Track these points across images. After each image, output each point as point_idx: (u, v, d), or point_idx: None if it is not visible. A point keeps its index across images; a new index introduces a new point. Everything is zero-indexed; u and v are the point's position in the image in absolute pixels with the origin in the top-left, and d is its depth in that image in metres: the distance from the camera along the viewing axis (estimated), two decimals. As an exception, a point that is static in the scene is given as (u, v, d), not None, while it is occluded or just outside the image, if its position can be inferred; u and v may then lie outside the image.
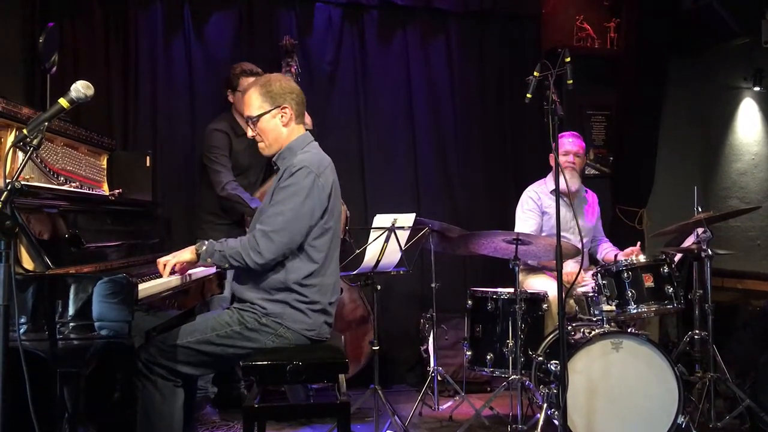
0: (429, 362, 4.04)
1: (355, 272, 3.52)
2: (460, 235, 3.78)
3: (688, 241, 3.84)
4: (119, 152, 3.52)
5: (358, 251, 3.51)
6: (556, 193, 2.96)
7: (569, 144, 4.08)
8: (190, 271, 2.76)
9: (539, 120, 4.39)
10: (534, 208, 4.05)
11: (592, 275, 3.57)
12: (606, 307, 3.41)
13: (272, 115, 2.67)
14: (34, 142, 2.05)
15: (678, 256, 3.90)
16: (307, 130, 2.81)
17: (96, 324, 2.13)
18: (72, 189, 2.77)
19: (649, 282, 3.47)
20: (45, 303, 2.11)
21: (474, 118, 4.98)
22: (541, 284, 3.89)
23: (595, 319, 3.48)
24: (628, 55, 5.07)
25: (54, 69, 3.46)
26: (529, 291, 3.71)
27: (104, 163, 3.30)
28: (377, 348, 3.54)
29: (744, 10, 4.57)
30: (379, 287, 3.57)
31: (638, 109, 5.03)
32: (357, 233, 4.04)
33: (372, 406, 3.52)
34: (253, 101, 2.68)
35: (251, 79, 3.83)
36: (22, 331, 2.07)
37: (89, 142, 3.12)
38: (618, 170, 5.17)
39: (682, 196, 4.45)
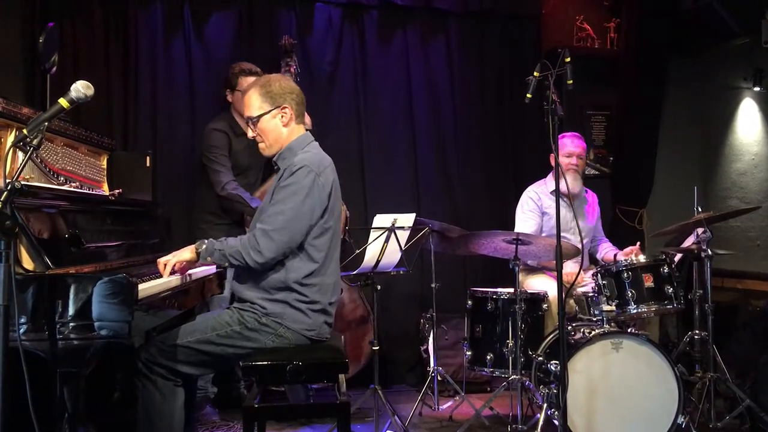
0: (429, 362, 4.04)
1: (355, 272, 3.52)
2: (460, 235, 3.78)
3: (688, 241, 3.84)
4: (119, 152, 3.52)
5: (358, 251, 3.51)
6: (556, 193, 2.96)
7: (572, 146, 4.06)
8: (190, 271, 2.76)
9: (539, 120, 4.39)
10: (534, 208, 4.05)
11: (592, 275, 3.57)
12: (606, 307, 3.41)
13: (272, 116, 2.67)
14: (34, 142, 2.05)
15: (678, 256, 3.90)
16: (306, 130, 2.81)
17: (96, 324, 2.13)
18: (72, 189, 2.77)
19: (649, 282, 3.47)
20: (45, 303, 2.11)
21: (474, 118, 4.98)
22: (541, 284, 3.89)
23: (595, 319, 3.48)
24: (628, 55, 5.07)
25: (54, 69, 3.46)
26: (529, 291, 3.71)
27: (104, 163, 3.30)
28: (377, 348, 3.54)
29: (744, 10, 4.57)
30: (379, 287, 3.57)
31: (638, 109, 5.03)
32: (357, 233, 4.04)
33: (372, 406, 3.52)
34: (253, 102, 2.68)
35: (250, 79, 3.83)
36: (22, 331, 2.07)
37: (89, 142, 3.12)
38: (618, 170, 5.17)
39: (682, 196, 4.45)
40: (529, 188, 4.15)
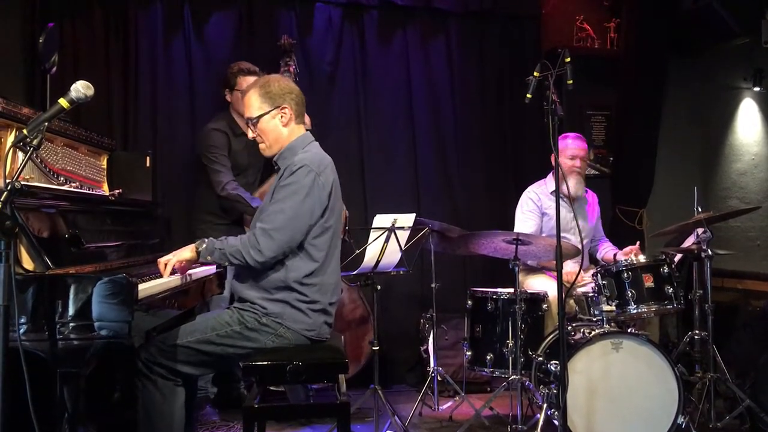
0: (429, 362, 4.04)
1: (355, 272, 3.52)
2: (460, 235, 3.78)
3: (688, 242, 3.84)
4: (119, 152, 3.52)
5: (358, 251, 3.51)
6: (556, 194, 2.96)
7: (576, 148, 4.05)
8: (190, 271, 2.76)
9: (539, 120, 4.39)
10: (534, 209, 4.05)
11: (592, 275, 3.57)
12: (606, 308, 3.41)
13: (272, 116, 2.68)
14: (34, 142, 2.05)
15: (678, 257, 3.91)
16: (306, 130, 2.82)
17: (96, 324, 2.13)
18: (72, 189, 2.77)
19: (649, 282, 3.47)
20: (45, 303, 2.11)
21: (474, 118, 4.98)
22: (541, 284, 3.89)
23: (595, 319, 3.48)
24: (628, 55, 5.07)
25: (54, 69, 3.46)
26: (529, 291, 3.71)
27: (104, 163, 3.30)
28: (377, 348, 3.54)
29: (744, 10, 4.58)
30: (379, 287, 3.57)
31: (638, 109, 5.03)
32: (357, 233, 4.04)
33: (372, 406, 3.52)
34: (253, 102, 2.69)
35: (249, 78, 3.83)
36: (22, 331, 2.07)
37: (89, 142, 3.12)
38: (618, 170, 5.17)
39: (682, 196, 4.45)
40: (529, 188, 4.15)
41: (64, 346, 2.11)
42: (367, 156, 4.74)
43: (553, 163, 3.40)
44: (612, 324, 3.41)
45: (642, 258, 3.60)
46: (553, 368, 3.26)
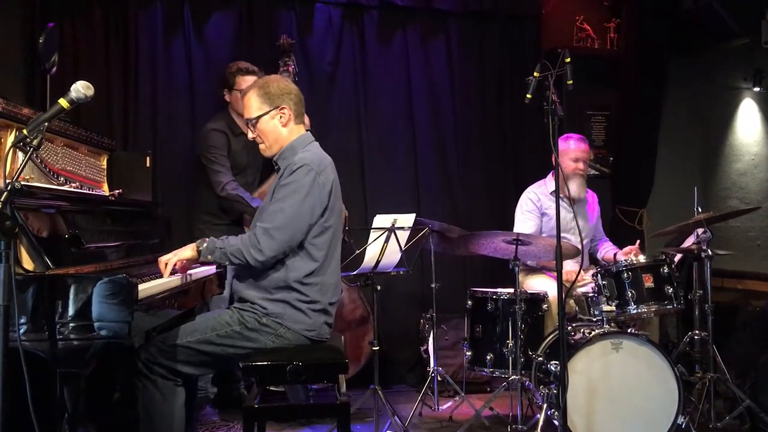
0: (429, 362, 4.04)
1: (355, 272, 3.52)
2: (460, 235, 3.78)
3: (688, 242, 3.84)
4: (119, 152, 3.52)
5: (357, 251, 3.51)
6: (556, 194, 2.96)
7: (580, 151, 4.03)
8: (190, 271, 2.76)
9: (539, 120, 4.39)
10: (533, 209, 4.04)
11: (592, 275, 3.57)
12: (606, 308, 3.41)
13: (271, 116, 2.68)
14: (34, 142, 2.05)
15: (678, 257, 3.90)
16: (306, 130, 2.82)
17: (96, 324, 2.12)
18: (72, 189, 2.77)
19: (649, 282, 3.47)
20: (45, 303, 2.11)
21: (474, 118, 4.98)
22: (541, 284, 3.89)
23: (595, 319, 3.48)
24: (628, 55, 5.07)
25: (54, 69, 3.46)
26: (529, 291, 3.71)
27: (104, 163, 3.30)
28: (377, 348, 3.54)
29: (744, 11, 4.57)
30: (378, 287, 3.57)
31: (638, 109, 5.03)
32: (357, 233, 4.04)
33: (372, 406, 3.52)
34: (252, 103, 2.69)
35: (247, 78, 3.83)
36: (22, 331, 2.07)
37: (89, 143, 3.12)
38: (618, 170, 5.17)
39: (682, 196, 4.45)
40: (529, 189, 4.15)
41: (64, 346, 2.11)
42: (367, 156, 4.74)
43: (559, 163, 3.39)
44: (612, 324, 3.41)
45: (642, 258, 3.60)
46: (553, 368, 3.26)
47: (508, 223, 4.37)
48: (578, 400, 3.18)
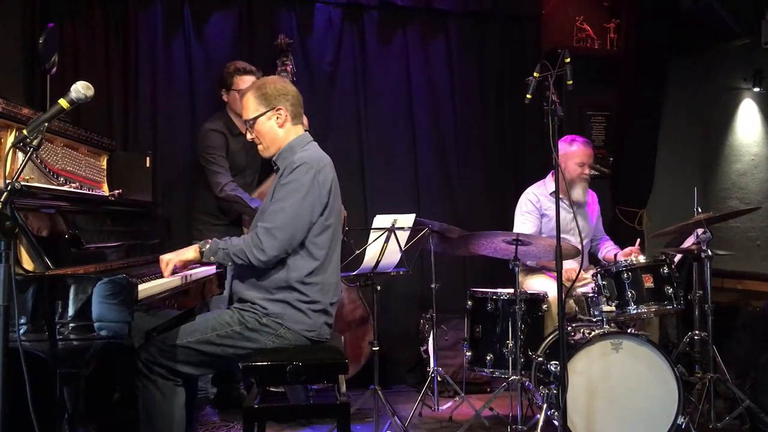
0: (429, 363, 4.04)
1: (354, 273, 3.52)
2: (460, 235, 3.78)
3: (688, 242, 3.84)
4: (119, 153, 3.52)
5: (357, 252, 3.51)
6: (556, 195, 2.96)
7: (585, 155, 4.02)
8: (190, 272, 2.76)
9: (539, 121, 4.38)
10: (532, 210, 4.04)
11: (592, 276, 3.57)
12: (606, 308, 3.41)
13: (267, 117, 2.70)
14: (34, 142, 2.06)
15: (678, 257, 3.90)
16: (304, 131, 2.82)
17: (96, 324, 2.12)
18: (72, 189, 2.77)
19: (648, 282, 3.47)
20: (45, 303, 2.11)
21: (474, 118, 4.98)
22: (541, 285, 3.89)
23: (594, 319, 3.48)
24: (627, 55, 5.07)
25: (54, 69, 3.46)
26: (528, 291, 3.71)
27: (104, 163, 3.30)
28: (377, 348, 3.54)
29: (744, 11, 4.57)
30: (378, 288, 3.57)
31: (638, 109, 5.03)
32: (357, 234, 4.04)
33: (372, 406, 3.52)
34: (250, 104, 2.71)
35: (245, 78, 3.83)
36: (22, 331, 2.07)
37: (89, 143, 3.12)
38: (618, 171, 5.17)
39: (682, 196, 4.45)
40: (528, 189, 4.14)
41: (64, 346, 2.11)
42: (367, 156, 4.74)
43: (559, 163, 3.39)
44: (612, 324, 3.41)
45: (642, 258, 3.60)
46: (553, 368, 3.26)
47: (508, 224, 4.37)
48: (578, 400, 3.18)
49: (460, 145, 4.94)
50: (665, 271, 3.48)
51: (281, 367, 2.52)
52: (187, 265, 2.67)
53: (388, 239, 3.42)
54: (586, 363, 3.21)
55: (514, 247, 3.46)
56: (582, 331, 3.40)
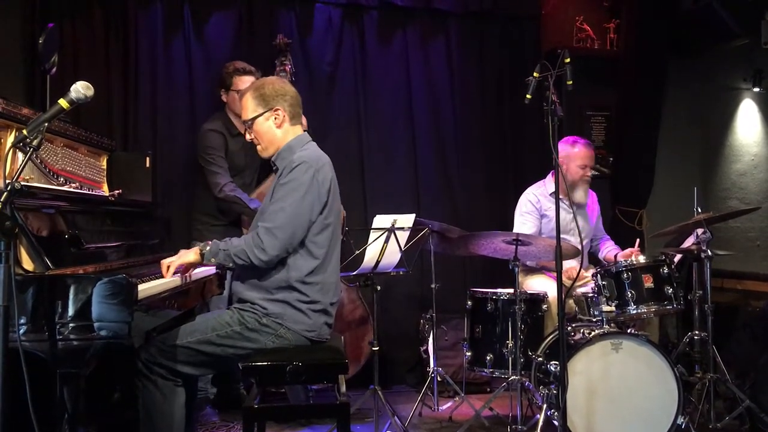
0: (429, 363, 4.04)
1: (354, 273, 3.52)
2: (459, 235, 3.78)
3: (688, 242, 3.84)
4: (119, 153, 3.52)
5: (357, 252, 3.51)
6: (556, 195, 2.96)
7: (587, 157, 4.01)
8: (189, 272, 2.76)
9: (539, 121, 4.37)
10: (532, 210, 4.04)
11: (592, 276, 3.57)
12: (606, 308, 3.41)
13: (265, 118, 2.70)
14: (34, 142, 2.06)
15: (678, 257, 3.90)
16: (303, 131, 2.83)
17: (96, 325, 2.13)
18: (72, 190, 2.77)
19: (648, 283, 3.47)
20: (45, 304, 2.11)
21: (474, 118, 4.98)
22: (541, 285, 3.89)
23: (594, 319, 3.48)
24: (627, 55, 5.07)
25: (54, 69, 3.46)
26: (528, 291, 3.71)
27: (104, 163, 3.30)
28: (377, 349, 3.54)
29: (744, 11, 4.57)
30: (378, 288, 3.57)
31: (638, 109, 5.03)
32: (357, 234, 4.04)
33: (372, 406, 3.52)
34: (248, 105, 2.72)
35: (244, 78, 3.83)
36: (21, 331, 2.07)
37: (89, 143, 3.12)
38: (618, 171, 5.17)
39: (682, 196, 4.45)
40: (528, 190, 4.14)
41: (64, 346, 2.11)
42: (367, 156, 4.74)
43: (560, 164, 3.38)
44: (612, 324, 3.41)
45: (642, 258, 3.60)
46: (552, 369, 3.26)
47: (508, 224, 4.36)
48: (578, 400, 3.18)
49: (460, 145, 4.94)
50: (665, 271, 3.49)
51: (281, 367, 2.52)
52: (188, 268, 2.67)
53: (388, 239, 3.42)
54: (586, 363, 3.21)
55: (513, 247, 3.46)
56: (582, 331, 3.40)
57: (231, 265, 2.63)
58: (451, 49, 4.94)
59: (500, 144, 5.04)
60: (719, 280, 4.64)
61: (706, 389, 3.56)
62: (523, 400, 3.51)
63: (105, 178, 3.28)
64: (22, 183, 2.17)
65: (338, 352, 2.68)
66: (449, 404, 4.02)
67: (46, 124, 2.09)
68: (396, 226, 3.42)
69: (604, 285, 3.47)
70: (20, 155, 2.29)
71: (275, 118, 2.70)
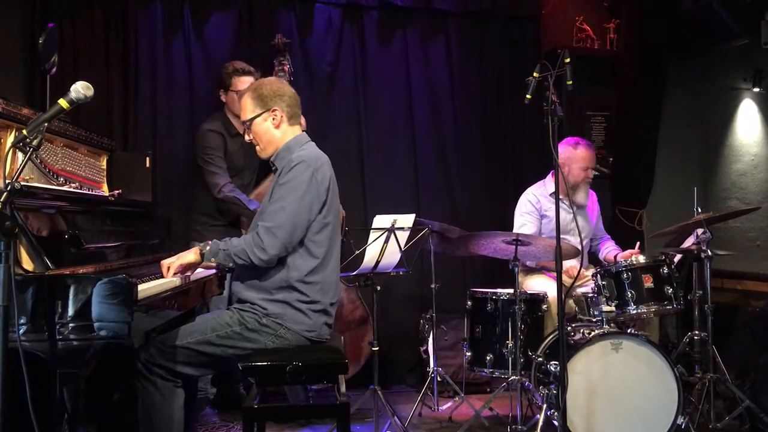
0: (429, 363, 4.04)
1: (354, 273, 3.52)
2: (459, 235, 3.78)
3: (688, 242, 3.84)
4: (119, 153, 3.52)
5: (357, 252, 3.51)
6: (556, 196, 2.96)
7: (590, 159, 4.01)
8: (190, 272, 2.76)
9: (539, 121, 4.37)
10: (532, 211, 4.03)
11: (592, 276, 3.57)
12: (605, 308, 3.41)
13: (263, 119, 2.71)
14: (34, 142, 2.06)
15: (678, 257, 3.90)
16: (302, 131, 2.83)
17: (95, 325, 2.13)
18: (72, 190, 2.77)
19: (648, 283, 3.47)
20: (44, 304, 2.11)
21: (474, 118, 4.98)
22: (541, 285, 3.89)
23: (594, 319, 3.48)
24: (627, 55, 5.07)
25: (54, 69, 3.46)
26: (528, 292, 3.71)
27: (104, 163, 3.30)
28: (377, 349, 3.54)
29: (744, 11, 4.57)
30: (378, 288, 3.57)
31: (638, 109, 5.03)
32: (356, 234, 4.04)
33: (372, 406, 3.52)
34: (247, 106, 2.74)
35: (244, 78, 3.83)
36: (21, 331, 2.07)
37: (89, 143, 3.12)
38: (618, 171, 5.17)
39: (682, 196, 4.45)
40: (528, 190, 4.14)
41: (64, 346, 2.11)
42: (367, 156, 4.74)
43: (560, 165, 3.38)
44: (612, 324, 3.41)
45: (642, 259, 3.60)
46: (552, 369, 3.26)
47: (507, 224, 4.36)
48: (578, 400, 3.18)
49: (460, 145, 4.94)
50: (665, 272, 3.49)
51: (281, 368, 2.52)
52: (188, 268, 2.67)
53: (387, 239, 3.42)
54: (586, 363, 3.21)
55: (513, 247, 3.46)
56: (582, 331, 3.40)
57: (231, 264, 2.63)
58: (451, 49, 4.94)
59: (500, 144, 5.04)
60: (719, 280, 4.64)
61: (706, 389, 3.56)
62: (523, 400, 3.51)
63: (105, 178, 3.28)
64: (22, 183, 2.17)
65: (338, 352, 2.68)
66: (449, 404, 4.02)
67: (46, 124, 2.09)
68: (396, 226, 3.42)
69: (604, 285, 3.47)
70: (20, 155, 2.29)
71: (273, 119, 2.71)
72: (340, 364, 2.62)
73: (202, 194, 3.90)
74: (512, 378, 3.46)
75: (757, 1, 4.45)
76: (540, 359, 3.43)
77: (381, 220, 3.41)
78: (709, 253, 3.62)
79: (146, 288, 2.34)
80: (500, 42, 5.05)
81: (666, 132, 5.22)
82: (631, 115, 5.04)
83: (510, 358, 3.52)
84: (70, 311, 2.12)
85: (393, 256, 3.51)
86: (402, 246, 3.48)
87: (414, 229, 3.53)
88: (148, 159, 3.46)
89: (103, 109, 4.13)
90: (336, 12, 4.71)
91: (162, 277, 2.55)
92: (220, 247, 2.60)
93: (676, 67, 5.20)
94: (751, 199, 5.06)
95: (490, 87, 5.04)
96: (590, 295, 3.54)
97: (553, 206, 2.98)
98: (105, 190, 3.21)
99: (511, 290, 3.56)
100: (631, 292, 3.44)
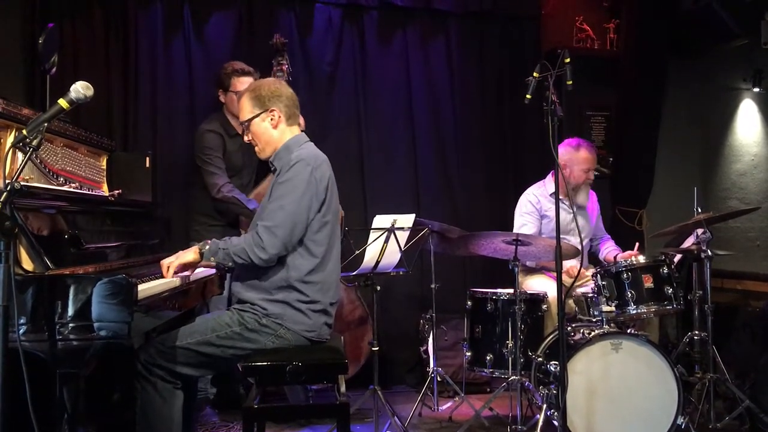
0: (429, 363, 4.04)
1: (354, 273, 3.52)
2: (459, 235, 3.78)
3: (688, 242, 3.84)
4: (119, 153, 3.52)
5: (357, 252, 3.51)
6: (556, 196, 2.96)
7: (592, 160, 4.01)
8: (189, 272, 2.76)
9: (539, 121, 4.38)
10: (532, 211, 4.03)
11: (592, 275, 3.57)
12: (605, 308, 3.41)
13: (261, 119, 2.72)
14: (34, 142, 2.06)
15: (677, 257, 3.91)
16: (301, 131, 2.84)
17: (95, 325, 2.12)
18: (72, 190, 2.77)
19: (648, 283, 3.47)
20: (44, 304, 2.11)
21: (474, 118, 4.98)
22: (541, 285, 3.89)
23: (594, 319, 3.48)
24: (627, 56, 5.07)
25: (54, 69, 3.46)
26: (528, 292, 3.71)
27: (104, 163, 3.30)
28: (377, 349, 3.54)
29: (744, 11, 4.57)
30: (378, 288, 3.57)
31: (638, 110, 5.03)
32: (356, 234, 4.04)
33: (371, 406, 3.52)
34: (245, 106, 2.74)
35: (243, 79, 3.83)
36: (21, 331, 2.07)
37: (89, 143, 3.12)
38: (618, 171, 5.17)
39: (682, 196, 4.45)
40: (528, 190, 4.14)
41: (64, 346, 2.11)
42: (367, 156, 4.74)
43: (561, 166, 3.38)
44: (611, 324, 3.41)
45: (642, 259, 3.60)
46: (552, 369, 3.26)
47: (507, 224, 4.36)
48: (578, 400, 3.18)
49: (460, 145, 4.94)
50: (665, 272, 3.49)
51: (281, 368, 2.52)
52: (188, 267, 2.67)
53: (387, 239, 3.42)
54: (586, 363, 3.21)
55: (513, 247, 3.46)
56: (582, 331, 3.40)
57: (230, 264, 2.63)
58: (451, 49, 4.94)
59: (500, 144, 5.04)
60: (719, 280, 4.64)
61: (706, 389, 3.57)
62: (523, 400, 3.52)
63: (105, 178, 3.28)
64: (22, 183, 2.17)
65: (338, 352, 2.68)
66: (449, 404, 4.02)
67: (46, 124, 2.09)
68: (396, 226, 3.42)
69: (604, 285, 3.47)
70: (20, 155, 2.29)
71: (271, 119, 2.72)
72: (340, 364, 2.62)
73: (201, 194, 3.90)
74: (512, 378, 3.46)
75: (757, 1, 4.45)
76: (540, 359, 3.43)
77: (381, 220, 3.41)
78: (709, 253, 3.62)
79: (146, 288, 2.34)
80: (500, 42, 5.05)
81: (666, 132, 5.22)
82: (631, 115, 5.04)
83: (510, 358, 3.52)
84: (70, 311, 2.12)
85: (393, 256, 3.51)
86: (402, 246, 3.48)
87: (414, 229, 3.53)
88: (148, 159, 3.46)
89: (103, 109, 4.13)
90: (336, 12, 4.71)
91: (162, 277, 2.55)
92: (220, 246, 2.60)
93: (676, 67, 5.20)
94: (751, 199, 5.06)
95: (490, 87, 5.04)
96: (590, 295, 3.54)
97: (554, 206, 2.98)
98: (105, 190, 3.21)
99: (511, 290, 3.56)
100: (631, 292, 3.44)
